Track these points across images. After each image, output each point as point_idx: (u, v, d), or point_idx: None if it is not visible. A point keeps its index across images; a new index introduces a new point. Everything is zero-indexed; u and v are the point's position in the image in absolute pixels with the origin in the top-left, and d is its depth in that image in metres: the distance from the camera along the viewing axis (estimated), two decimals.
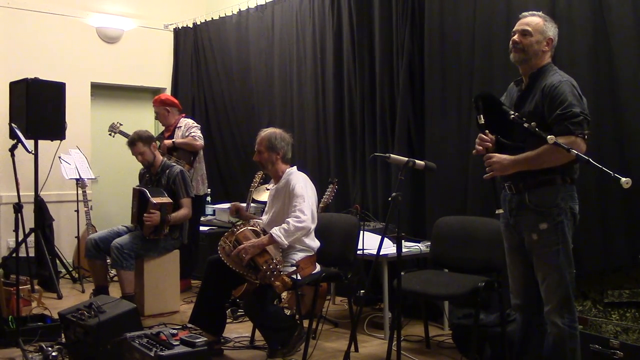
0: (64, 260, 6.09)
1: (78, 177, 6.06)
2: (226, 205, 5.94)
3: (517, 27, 2.86)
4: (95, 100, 7.01)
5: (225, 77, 6.89)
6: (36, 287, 5.23)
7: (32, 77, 5.45)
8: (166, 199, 4.61)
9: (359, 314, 3.65)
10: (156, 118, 5.85)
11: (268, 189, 4.08)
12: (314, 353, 3.72)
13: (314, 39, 5.73)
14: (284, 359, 3.59)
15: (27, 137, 4.62)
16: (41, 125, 5.42)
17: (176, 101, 5.84)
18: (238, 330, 4.26)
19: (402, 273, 3.35)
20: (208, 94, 7.10)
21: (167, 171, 4.84)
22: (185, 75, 7.28)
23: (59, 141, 5.64)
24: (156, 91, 7.48)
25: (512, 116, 2.71)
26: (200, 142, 5.54)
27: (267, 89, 6.36)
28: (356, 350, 3.87)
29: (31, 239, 5.44)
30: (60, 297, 5.27)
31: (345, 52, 5.39)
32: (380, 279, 4.18)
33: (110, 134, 5.96)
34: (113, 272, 5.45)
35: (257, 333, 3.85)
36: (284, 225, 3.58)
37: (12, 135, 4.60)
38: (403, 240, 4.07)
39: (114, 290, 4.96)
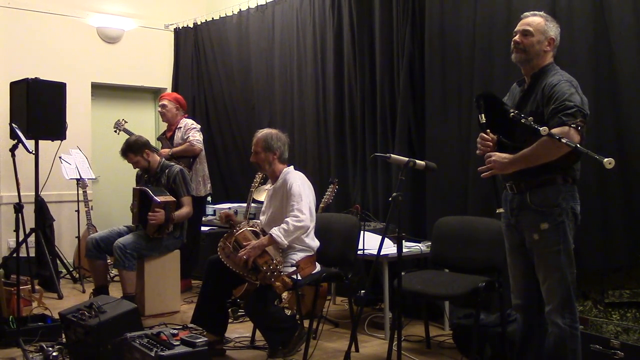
0: (65, 260, 6.09)
1: (78, 177, 6.06)
2: (227, 206, 5.95)
3: (518, 27, 2.86)
4: (95, 100, 7.01)
5: (225, 77, 6.89)
6: (37, 287, 5.23)
7: (33, 77, 5.45)
8: (170, 198, 4.63)
9: (359, 314, 3.65)
10: (162, 113, 5.71)
11: (267, 189, 4.08)
12: (315, 353, 3.72)
13: (315, 39, 5.73)
14: (285, 359, 3.59)
15: (27, 137, 4.62)
16: (42, 125, 5.43)
17: (185, 103, 5.88)
18: (238, 330, 4.26)
19: (402, 273, 3.35)
20: (208, 94, 7.10)
21: (167, 171, 4.84)
22: (186, 75, 7.28)
23: (59, 141, 5.64)
24: (156, 91, 7.49)
25: (512, 114, 2.71)
26: (199, 145, 5.52)
27: (267, 89, 6.36)
28: (357, 350, 3.87)
29: (32, 239, 5.45)
30: (60, 297, 5.28)
31: (345, 52, 5.39)
32: (381, 279, 4.18)
33: (115, 131, 5.96)
34: (114, 272, 5.46)
35: (258, 333, 3.85)
36: (283, 225, 3.58)
37: (13, 135, 4.60)
38: (403, 240, 4.07)
39: (115, 290, 4.96)
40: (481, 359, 3.43)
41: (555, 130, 2.57)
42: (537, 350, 2.91)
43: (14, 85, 5.64)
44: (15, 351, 3.65)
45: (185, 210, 4.78)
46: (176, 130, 5.64)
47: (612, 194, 3.61)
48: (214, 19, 7.02)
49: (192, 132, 5.55)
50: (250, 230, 3.74)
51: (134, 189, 4.79)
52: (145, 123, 7.42)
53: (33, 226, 5.41)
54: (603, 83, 3.67)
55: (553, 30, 2.83)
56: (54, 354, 3.46)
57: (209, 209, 6.29)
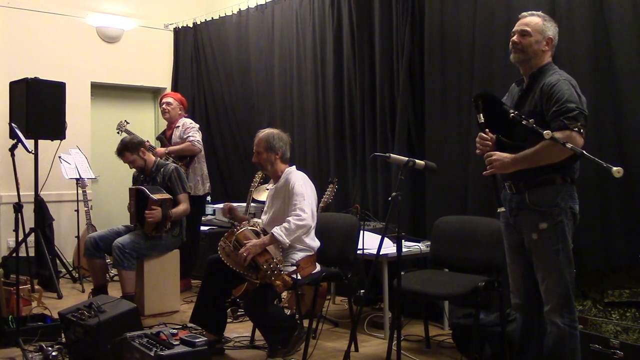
0: (64, 260, 6.10)
1: (78, 176, 6.07)
2: None
3: (516, 27, 2.87)
4: (95, 100, 7.01)
5: (225, 77, 6.89)
6: (36, 286, 5.23)
7: (32, 76, 5.45)
8: (166, 195, 4.63)
9: (359, 314, 3.65)
10: (166, 111, 5.68)
11: (268, 189, 4.08)
12: (314, 353, 3.72)
13: (314, 39, 5.73)
14: (284, 359, 3.59)
15: (27, 137, 4.62)
16: (41, 125, 5.42)
17: (186, 104, 5.92)
18: (238, 329, 4.26)
19: (402, 273, 3.34)
20: (208, 93, 7.10)
21: (162, 169, 4.85)
22: (186, 75, 7.28)
23: (59, 141, 5.63)
24: (156, 91, 7.49)
25: (512, 114, 2.71)
26: (199, 146, 5.53)
27: (267, 89, 6.36)
28: (356, 350, 3.87)
29: (31, 238, 5.44)
30: (60, 296, 5.28)
31: (345, 51, 5.39)
32: (380, 279, 4.18)
33: (117, 132, 5.97)
34: (113, 271, 5.46)
35: (257, 333, 3.85)
36: (285, 225, 3.58)
37: (12, 135, 4.60)
38: (403, 240, 4.07)
39: (114, 290, 4.96)
40: (480, 358, 3.43)
41: (558, 134, 2.56)
42: (537, 350, 2.91)
43: (13, 85, 5.64)
44: (15, 351, 3.65)
45: (182, 207, 4.78)
46: (175, 129, 5.64)
47: (611, 193, 3.61)
48: (214, 18, 7.02)
49: (192, 131, 5.55)
50: (251, 229, 3.74)
51: (130, 188, 4.79)
52: (145, 123, 7.41)
53: (33, 226, 5.40)
54: (603, 83, 3.66)
55: (551, 30, 2.84)
56: (54, 353, 3.46)
57: (209, 208, 6.29)
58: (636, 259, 3.49)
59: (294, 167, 3.92)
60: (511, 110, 2.73)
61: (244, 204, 5.31)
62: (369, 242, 3.89)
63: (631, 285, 3.51)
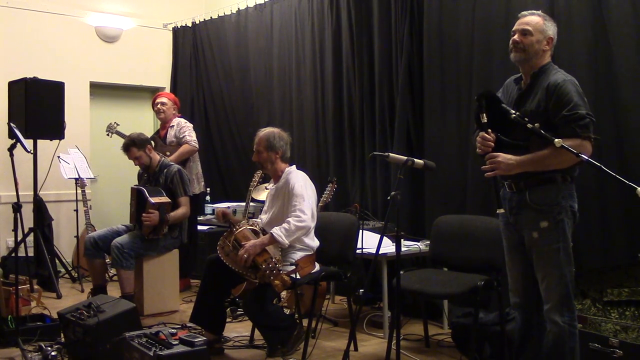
0: (63, 260, 6.09)
1: (77, 176, 6.06)
2: (226, 205, 5.94)
3: (516, 26, 2.85)
4: (94, 99, 7.00)
5: (224, 77, 6.89)
6: (35, 286, 5.19)
7: (31, 76, 5.45)
8: (165, 199, 4.61)
9: (358, 313, 3.65)
10: (161, 111, 5.68)
11: (267, 189, 4.08)
12: (314, 352, 3.72)
13: (313, 38, 5.73)
14: (284, 358, 3.59)
15: (26, 137, 4.62)
16: (40, 124, 5.42)
17: (179, 104, 5.92)
18: (237, 329, 4.26)
19: (401, 272, 3.35)
20: (207, 93, 7.09)
21: (165, 170, 4.83)
22: (185, 75, 7.28)
23: (58, 141, 5.63)
24: (155, 90, 7.46)
25: (514, 115, 2.69)
26: (196, 145, 5.55)
27: (266, 88, 6.36)
28: (355, 349, 3.87)
29: (30, 238, 5.43)
30: (59, 296, 5.28)
31: (344, 51, 5.39)
32: (380, 278, 4.18)
33: (107, 134, 5.97)
34: (113, 271, 5.46)
35: (257, 332, 3.85)
36: (285, 225, 3.58)
37: (11, 134, 4.59)
38: (402, 239, 4.07)
39: (113, 290, 4.96)
40: (480, 357, 3.43)
41: (568, 142, 2.54)
42: (536, 349, 2.92)
43: (12, 85, 5.64)
44: (14, 351, 3.64)
45: (182, 211, 4.76)
46: (169, 129, 5.64)
47: (611, 192, 3.61)
48: (213, 18, 7.02)
49: (187, 131, 5.54)
50: (250, 229, 3.74)
51: (132, 188, 4.79)
52: (143, 122, 7.40)
53: (32, 226, 5.40)
54: (602, 83, 3.67)
55: (551, 29, 2.83)
56: (53, 353, 3.45)
57: (208, 208, 6.29)
58: (635, 258, 3.49)
59: (294, 166, 3.91)
60: (512, 111, 2.71)
61: (244, 204, 5.31)
62: (368, 241, 3.90)
63: (630, 284, 3.51)
